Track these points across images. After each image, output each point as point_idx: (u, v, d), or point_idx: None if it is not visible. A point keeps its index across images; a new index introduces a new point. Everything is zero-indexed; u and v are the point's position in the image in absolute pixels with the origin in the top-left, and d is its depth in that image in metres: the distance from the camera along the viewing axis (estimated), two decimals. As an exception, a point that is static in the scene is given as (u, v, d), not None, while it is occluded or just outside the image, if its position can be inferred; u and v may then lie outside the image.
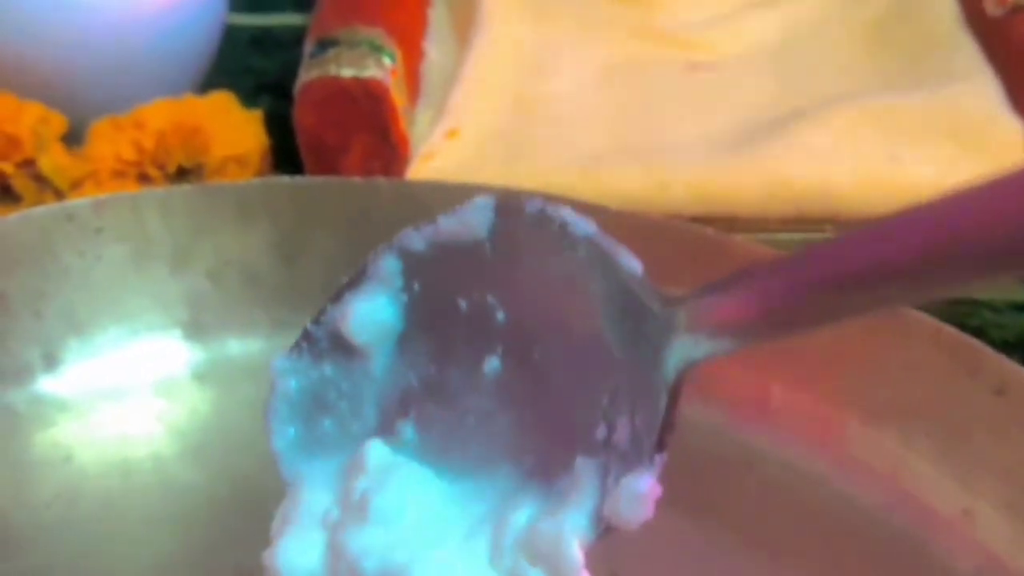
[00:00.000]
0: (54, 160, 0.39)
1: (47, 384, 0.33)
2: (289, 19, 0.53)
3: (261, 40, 0.53)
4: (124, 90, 0.42)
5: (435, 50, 0.44)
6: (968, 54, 0.42)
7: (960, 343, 0.30)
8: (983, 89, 0.40)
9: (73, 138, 0.40)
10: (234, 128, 0.40)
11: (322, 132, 0.36)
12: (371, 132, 0.36)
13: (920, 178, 0.37)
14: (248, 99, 0.48)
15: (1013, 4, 0.42)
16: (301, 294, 0.35)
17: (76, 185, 0.39)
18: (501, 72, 0.42)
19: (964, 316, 0.38)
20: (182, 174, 0.40)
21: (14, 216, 0.32)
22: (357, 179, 0.35)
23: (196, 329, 0.34)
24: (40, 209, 0.33)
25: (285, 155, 0.41)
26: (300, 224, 0.34)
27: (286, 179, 0.35)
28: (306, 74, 0.36)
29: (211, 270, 0.34)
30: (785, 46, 0.45)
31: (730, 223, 0.37)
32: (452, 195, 0.35)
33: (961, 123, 0.38)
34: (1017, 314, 0.38)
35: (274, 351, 0.35)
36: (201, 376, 0.34)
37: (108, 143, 0.39)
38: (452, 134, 0.38)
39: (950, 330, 0.31)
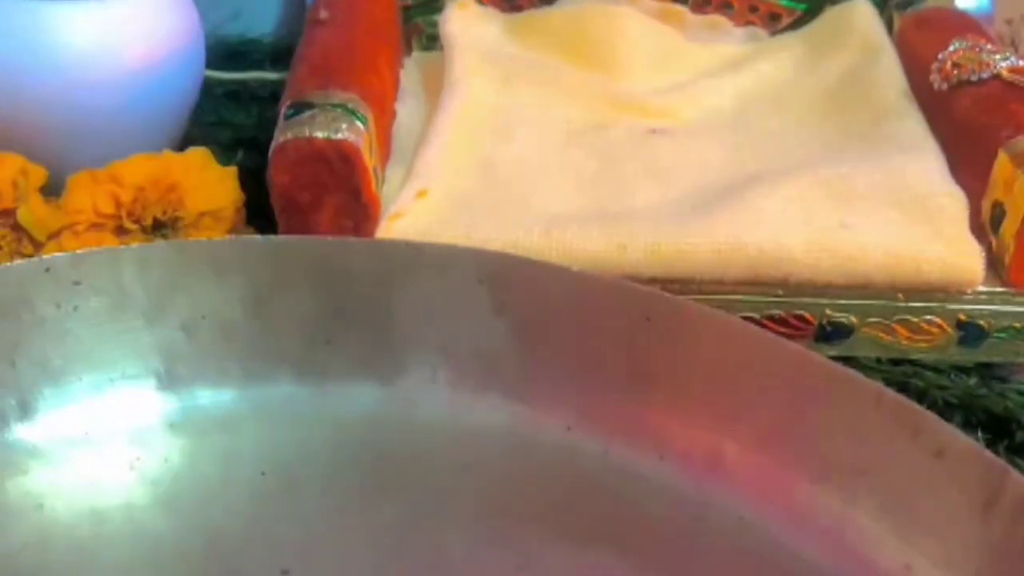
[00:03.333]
0: (32, 211, 0.40)
1: (21, 432, 0.34)
2: (265, 75, 0.55)
3: (238, 95, 0.54)
4: (104, 144, 0.43)
5: (405, 111, 0.45)
6: (914, 126, 0.44)
7: (902, 407, 0.32)
8: (928, 160, 0.42)
9: (52, 190, 0.41)
10: (209, 184, 0.41)
11: (295, 192, 0.37)
12: (343, 192, 0.37)
13: (867, 244, 0.39)
14: (225, 152, 0.50)
15: (956, 79, 0.44)
16: (273, 347, 0.37)
17: (53, 236, 0.40)
18: (469, 135, 0.43)
19: (907, 377, 0.39)
20: (158, 227, 0.41)
21: (-7, 269, 0.33)
22: (328, 237, 0.37)
23: (170, 380, 0.35)
24: (19, 263, 0.33)
25: (259, 208, 0.42)
26: (272, 280, 0.36)
27: (259, 237, 0.37)
28: (281, 135, 0.37)
29: (185, 323, 0.35)
30: (741, 114, 0.47)
31: (686, 284, 0.39)
32: (420, 253, 0.37)
33: (907, 192, 0.40)
34: (959, 376, 0.40)
35: (245, 402, 0.36)
36: (174, 426, 0.35)
37: (86, 196, 0.40)
38: (421, 194, 0.40)
39: (892, 394, 0.32)
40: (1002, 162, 0.39)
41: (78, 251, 0.34)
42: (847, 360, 0.40)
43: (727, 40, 0.51)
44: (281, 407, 0.36)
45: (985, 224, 0.40)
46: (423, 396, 0.36)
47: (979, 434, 0.38)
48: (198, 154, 0.42)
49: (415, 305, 0.36)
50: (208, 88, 0.52)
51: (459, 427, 0.35)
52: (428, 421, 0.36)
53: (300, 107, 0.38)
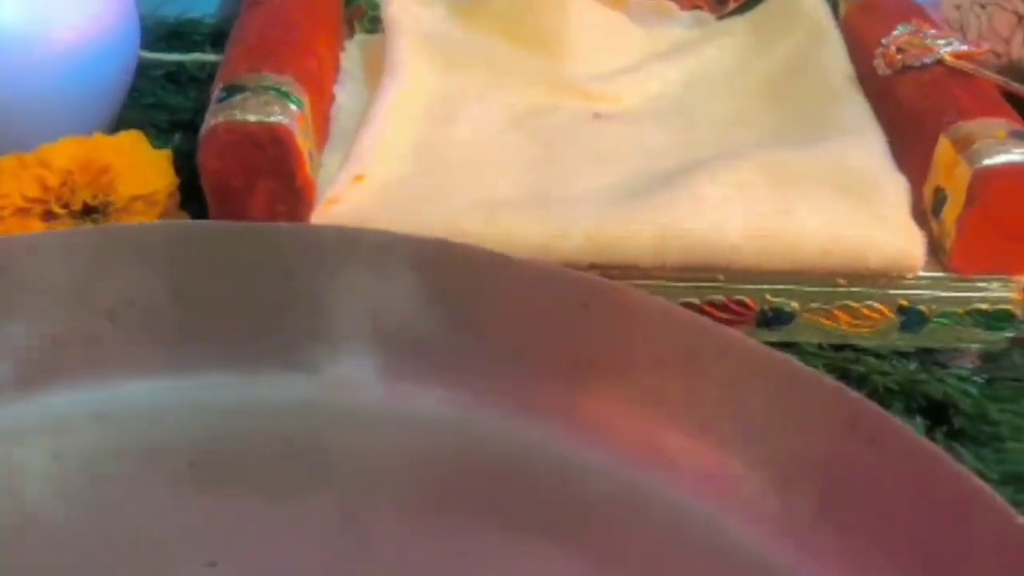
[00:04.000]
0: (-43, 196, 0.39)
1: (-60, 423, 0.33)
2: (205, 57, 0.54)
3: (177, 76, 0.53)
4: (33, 127, 0.41)
5: (345, 94, 0.45)
6: (858, 111, 0.43)
7: (841, 395, 0.32)
8: (871, 145, 0.41)
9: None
10: (142, 167, 0.40)
11: (227, 176, 0.36)
12: (276, 177, 0.36)
13: (807, 230, 0.38)
14: (162, 135, 0.49)
15: (900, 65, 0.43)
16: (201, 336, 0.36)
17: (-22, 222, 0.39)
18: (409, 118, 0.42)
19: (849, 362, 0.39)
20: (88, 212, 0.40)
21: (-88, 256, 0.32)
22: (258, 223, 0.36)
23: (94, 369, 0.34)
24: (-59, 248, 0.33)
25: (195, 192, 0.41)
26: (201, 266, 0.35)
27: (188, 222, 0.36)
28: (212, 118, 0.36)
29: (111, 310, 0.34)
30: (685, 99, 0.46)
31: (626, 271, 0.38)
32: (353, 240, 0.36)
33: (848, 178, 0.39)
34: (900, 361, 0.40)
35: (172, 391, 0.35)
36: (98, 416, 0.34)
37: (13, 180, 0.39)
38: (358, 179, 0.39)
39: (831, 382, 0.32)
40: (943, 147, 0.39)
41: (1, 236, 0.33)
42: (788, 346, 0.40)
43: (673, 24, 0.51)
44: (209, 396, 0.35)
45: (927, 209, 0.40)
46: (356, 385, 0.35)
47: (919, 420, 0.38)
48: (130, 137, 0.41)
49: (349, 292, 0.35)
50: (146, 70, 0.51)
51: (394, 416, 0.35)
52: (361, 410, 0.35)
53: (232, 90, 0.37)
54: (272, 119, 0.36)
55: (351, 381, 0.35)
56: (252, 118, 0.36)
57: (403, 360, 0.35)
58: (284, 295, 0.35)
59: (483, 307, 0.35)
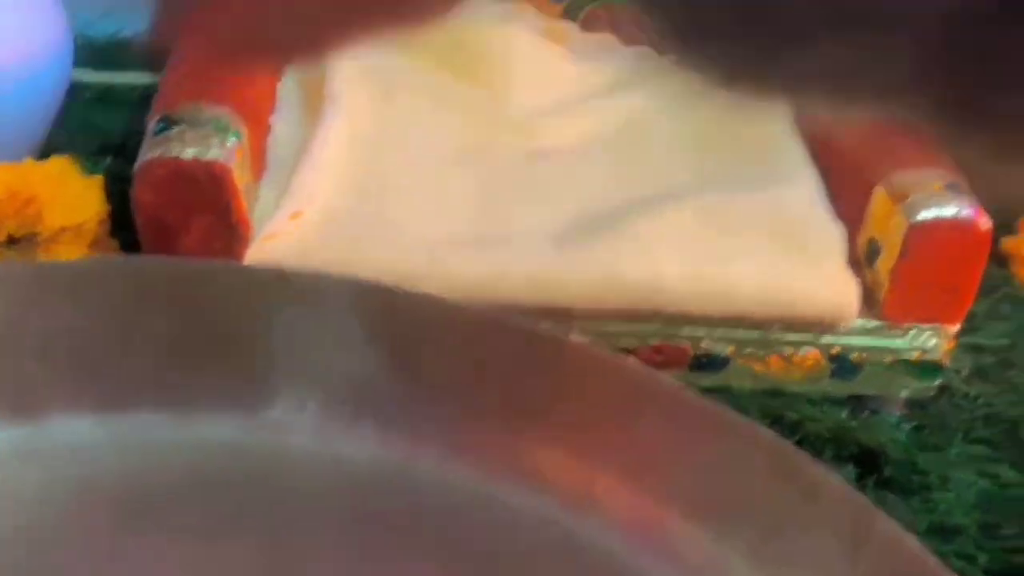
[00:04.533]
0: None
1: None
2: (136, 78, 0.53)
3: (108, 98, 0.52)
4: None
5: (282, 125, 0.44)
6: (796, 156, 0.44)
7: (776, 446, 0.32)
8: (807, 192, 0.42)
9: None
10: (71, 196, 0.40)
11: (161, 212, 0.35)
12: (211, 213, 0.36)
13: (742, 276, 0.39)
14: (92, 158, 0.47)
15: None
16: (132, 373, 0.35)
17: (-100, 249, 0.38)
18: (348, 152, 0.42)
19: (781, 409, 0.40)
20: (13, 243, 0.39)
21: None
22: (191, 260, 0.35)
23: (21, 408, 0.33)
24: None
25: (126, 219, 0.40)
26: (134, 303, 0.34)
27: (120, 258, 0.35)
28: (148, 152, 0.35)
29: (40, 348, 0.33)
30: (626, 137, 0.46)
31: (566, 313, 0.38)
32: (288, 279, 0.36)
33: (784, 224, 0.40)
34: (832, 407, 0.40)
35: (103, 430, 0.35)
36: (25, 457, 0.33)
37: (-64, 208, 0.38)
38: (295, 216, 0.38)
39: (767, 432, 0.32)
40: (879, 198, 0.39)
41: (-77, 271, 0.32)
42: (722, 390, 0.40)
43: (616, 60, 0.51)
44: (141, 436, 0.34)
45: (861, 258, 0.40)
46: (291, 426, 0.35)
47: (850, 468, 0.38)
48: (59, 164, 0.40)
49: (284, 332, 0.35)
50: (76, 91, 0.50)
51: (329, 457, 0.34)
52: (296, 451, 0.34)
53: (169, 122, 0.36)
54: (209, 154, 0.35)
55: (285, 422, 0.35)
56: (189, 153, 0.35)
57: (339, 402, 0.35)
58: (218, 334, 0.34)
59: (421, 351, 0.35)
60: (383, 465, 0.34)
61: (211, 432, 0.34)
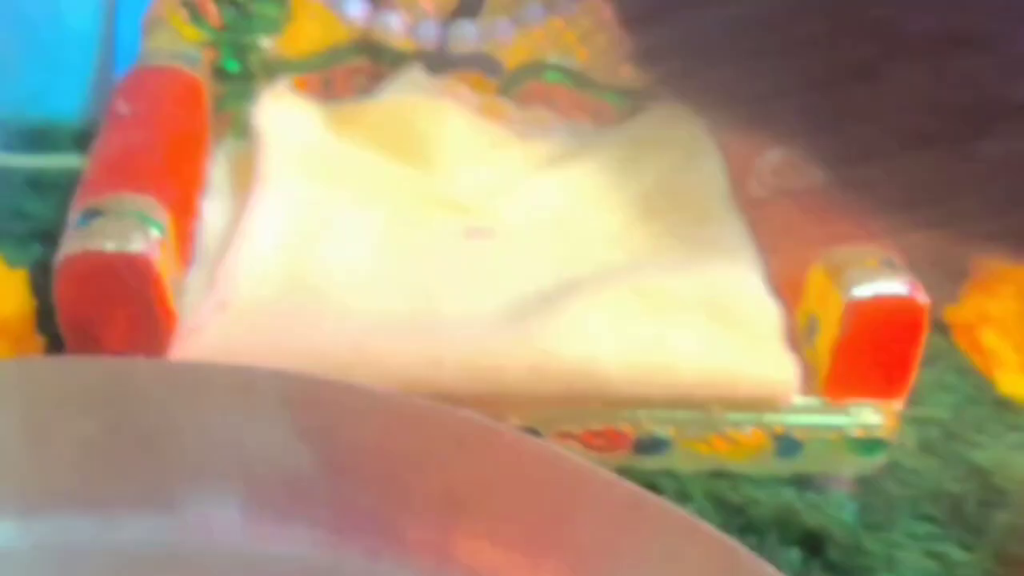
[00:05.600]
0: None
1: None
2: (68, 161, 0.52)
3: (38, 182, 0.51)
4: None
5: (211, 209, 0.43)
6: (733, 232, 0.43)
7: (716, 540, 0.31)
8: (744, 269, 0.41)
9: None
10: (-7, 291, 0.39)
11: (82, 307, 0.34)
12: (135, 307, 0.35)
13: (680, 358, 0.38)
14: (20, 245, 0.46)
15: (775, 187, 0.44)
16: (54, 477, 0.34)
17: None
18: (276, 238, 0.41)
19: (726, 490, 0.39)
20: (-68, 340, 0.38)
21: None
22: (114, 358, 0.34)
23: (-64, 516, 0.32)
24: None
25: (53, 312, 0.39)
26: (54, 403, 0.33)
27: (40, 359, 0.34)
28: (68, 246, 0.34)
29: (-45, 452, 0.32)
30: (563, 215, 0.46)
31: (503, 399, 0.38)
32: (214, 374, 0.35)
33: (721, 303, 0.39)
34: (776, 488, 0.39)
35: (24, 535, 0.33)
36: (-60, 567, 0.32)
37: None
38: (221, 307, 0.37)
39: (705, 527, 0.31)
40: (816, 274, 0.39)
41: None
42: (667, 473, 0.39)
43: (551, 136, 0.51)
44: (63, 541, 0.33)
45: (800, 335, 0.40)
46: (218, 526, 0.34)
47: (796, 551, 0.37)
48: (-17, 257, 0.39)
49: (211, 429, 0.34)
50: (4, 175, 0.49)
51: (258, 557, 0.33)
52: (223, 552, 0.33)
53: (90, 214, 0.36)
54: (131, 248, 0.35)
55: (213, 521, 0.34)
56: (109, 246, 0.34)
57: (268, 499, 0.34)
58: (143, 432, 0.33)
59: (351, 444, 0.34)
60: (313, 563, 0.33)
61: (136, 534, 0.33)
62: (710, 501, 0.39)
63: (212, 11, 0.47)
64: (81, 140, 0.54)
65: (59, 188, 0.51)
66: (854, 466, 0.40)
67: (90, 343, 0.35)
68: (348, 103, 0.49)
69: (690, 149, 0.48)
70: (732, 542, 0.31)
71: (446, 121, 0.48)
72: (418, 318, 0.39)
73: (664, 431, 0.39)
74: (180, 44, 0.47)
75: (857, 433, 0.39)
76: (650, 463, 0.39)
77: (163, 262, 0.36)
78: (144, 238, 0.35)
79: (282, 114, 0.47)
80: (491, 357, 0.37)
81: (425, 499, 0.33)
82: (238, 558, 0.33)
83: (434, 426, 0.33)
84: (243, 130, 0.50)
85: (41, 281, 0.40)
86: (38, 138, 0.53)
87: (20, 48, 0.54)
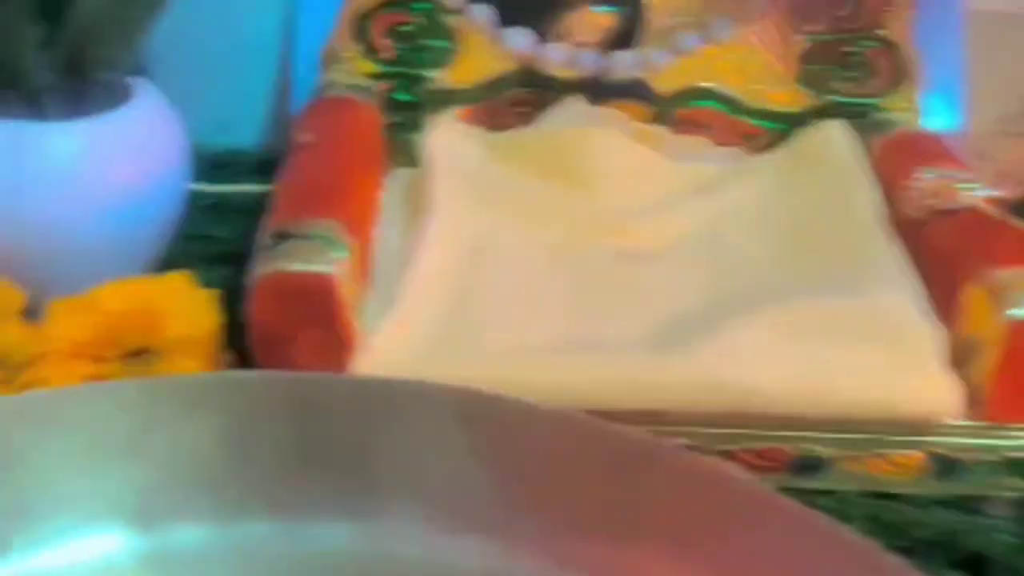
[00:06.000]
0: (9, 336, 0.40)
1: (-5, 571, 0.33)
2: (250, 188, 0.55)
3: (222, 207, 0.54)
4: (86, 265, 0.42)
5: (386, 234, 0.46)
6: (890, 255, 0.44)
7: (879, 559, 0.32)
8: (904, 292, 0.42)
9: (32, 312, 0.41)
10: (187, 310, 0.41)
11: (272, 326, 0.37)
12: (320, 326, 0.37)
13: (840, 380, 0.39)
14: (207, 267, 0.49)
15: (931, 208, 0.44)
16: (249, 485, 0.36)
17: (31, 363, 0.40)
18: (448, 261, 0.43)
19: (887, 512, 0.39)
20: (135, 355, 0.41)
21: (-31, 406, 0.33)
22: (305, 374, 0.37)
23: (144, 517, 0.35)
24: (-3, 399, 0.33)
25: (241, 330, 0.42)
26: (248, 416, 0.36)
27: (235, 373, 0.37)
28: (260, 268, 0.37)
29: (161, 460, 0.35)
30: (718, 238, 0.47)
31: (662, 418, 0.39)
32: (395, 390, 0.37)
33: (881, 326, 0.40)
34: (938, 510, 0.40)
35: (219, 541, 0.36)
36: (147, 564, 0.35)
37: (64, 323, 0.40)
38: (400, 326, 0.40)
39: (869, 544, 0.32)
40: (976, 296, 0.40)
41: (56, 388, 0.34)
42: (826, 493, 0.40)
43: (706, 161, 0.52)
44: (255, 546, 0.35)
45: (960, 357, 0.40)
46: (399, 536, 0.35)
47: (957, 573, 0.37)
48: (176, 278, 0.42)
49: (392, 442, 0.36)
50: (192, 201, 0.52)
51: (434, 570, 0.35)
52: (404, 562, 0.35)
53: (279, 237, 0.38)
54: (317, 268, 0.37)
55: (394, 532, 0.35)
56: (298, 267, 0.37)
57: (444, 512, 0.35)
58: (328, 445, 0.36)
59: (523, 459, 0.35)
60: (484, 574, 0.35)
61: (322, 542, 0.35)
62: (869, 522, 0.39)
63: (385, 45, 0.50)
64: (261, 168, 0.57)
65: (241, 213, 0.54)
66: (1015, 488, 0.40)
67: (278, 359, 0.38)
68: (511, 132, 0.51)
69: (842, 171, 0.49)
70: (893, 559, 0.31)
71: (604, 148, 0.50)
72: (582, 338, 0.41)
73: (823, 451, 0.40)
74: (355, 77, 0.50)
75: (1018, 455, 0.39)
76: (809, 483, 0.40)
77: (346, 283, 0.38)
78: (330, 260, 0.37)
79: (449, 143, 0.49)
80: (652, 377, 0.39)
81: (594, 516, 0.35)
82: (417, 569, 0.35)
83: (603, 443, 0.35)
84: (412, 158, 0.52)
85: (228, 302, 0.43)
86: (220, 166, 0.56)
87: (205, 82, 0.57)
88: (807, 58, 0.53)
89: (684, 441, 0.39)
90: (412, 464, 0.35)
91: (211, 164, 0.56)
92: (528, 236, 0.46)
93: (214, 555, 0.35)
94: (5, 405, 0.34)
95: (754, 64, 0.53)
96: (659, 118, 0.53)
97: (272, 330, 0.37)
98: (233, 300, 0.43)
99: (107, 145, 0.43)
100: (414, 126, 0.51)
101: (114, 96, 0.45)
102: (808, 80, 0.53)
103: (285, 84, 0.57)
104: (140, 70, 0.47)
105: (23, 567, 0.33)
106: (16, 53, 0.42)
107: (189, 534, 0.35)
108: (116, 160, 0.43)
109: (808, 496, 0.39)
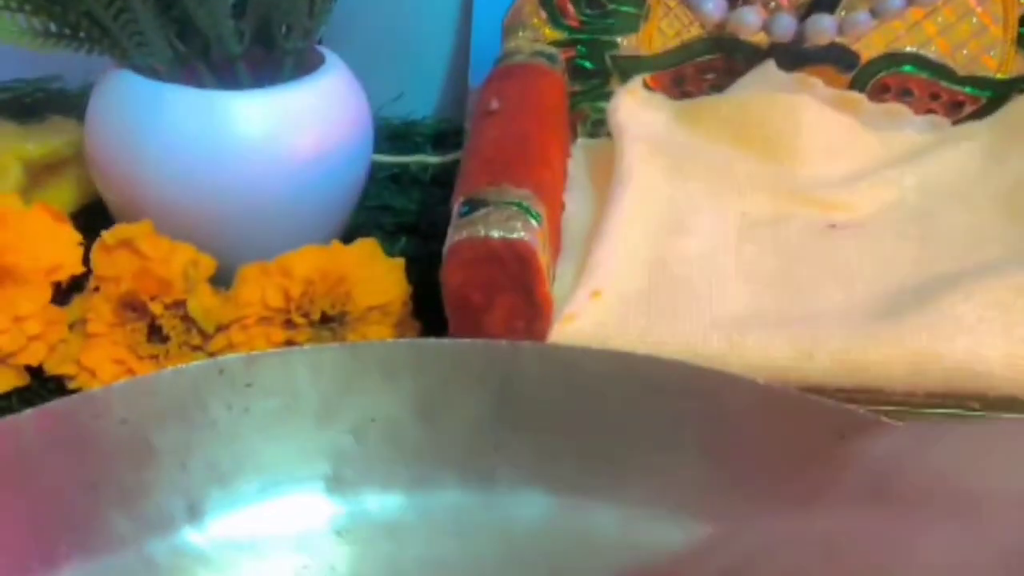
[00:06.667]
0: (202, 302, 0.40)
1: (189, 535, 0.33)
2: (427, 158, 0.54)
3: (400, 178, 0.54)
4: (275, 232, 0.42)
5: (573, 202, 0.44)
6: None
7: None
8: None
9: (221, 280, 0.41)
10: (377, 277, 0.41)
11: (468, 292, 0.36)
12: (516, 293, 0.36)
13: (1075, 359, 0.36)
14: (388, 238, 0.49)
15: None
16: (442, 453, 0.36)
17: (222, 328, 0.40)
18: (641, 230, 0.42)
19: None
20: (326, 321, 0.40)
21: (168, 370, 0.33)
22: (501, 341, 0.36)
23: (337, 484, 0.34)
24: (193, 364, 0.33)
25: (424, 299, 0.41)
26: (443, 384, 0.35)
27: (431, 341, 0.36)
28: (455, 234, 0.36)
29: (355, 427, 0.34)
30: (924, 208, 0.45)
31: (875, 395, 0.37)
32: (594, 359, 0.36)
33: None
34: None
35: (412, 508, 0.35)
36: (340, 532, 0.34)
37: (255, 289, 0.40)
38: (595, 295, 0.38)
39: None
40: None
41: (252, 353, 0.34)
42: (1049, 480, 0.37)
43: (907, 129, 0.49)
44: (448, 514, 0.34)
45: None
46: (595, 509, 0.34)
47: None
48: (366, 246, 0.42)
49: (588, 413, 0.34)
50: (372, 171, 0.52)
51: (632, 543, 0.34)
52: (600, 536, 0.34)
53: (474, 204, 0.37)
54: (514, 235, 0.36)
55: (589, 504, 0.34)
56: (495, 234, 0.36)
57: (642, 484, 0.34)
58: (523, 413, 0.34)
59: (727, 433, 0.34)
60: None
61: (515, 513, 0.34)
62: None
63: (571, 12, 0.49)
64: (436, 138, 0.57)
65: (418, 183, 0.54)
66: None
67: (473, 326, 0.37)
68: (702, 99, 0.49)
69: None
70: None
71: (798, 115, 0.48)
72: (787, 311, 0.39)
73: (1049, 435, 0.37)
74: (540, 44, 0.49)
75: None
76: (1031, 468, 0.37)
77: (541, 249, 0.37)
78: (525, 226, 0.36)
79: (638, 111, 0.48)
80: (865, 352, 0.36)
81: (805, 494, 0.33)
82: (612, 543, 0.34)
83: (815, 419, 0.33)
84: (595, 128, 0.51)
85: (411, 270, 0.42)
86: (398, 137, 0.56)
87: (384, 53, 0.57)
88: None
89: (897, 420, 0.37)
90: (610, 435, 0.34)
91: (389, 135, 0.56)
92: (724, 206, 0.44)
93: (406, 524, 0.35)
94: (202, 370, 0.33)
95: (964, 28, 0.50)
96: (855, 84, 0.50)
97: (467, 297, 0.36)
98: (415, 273, 0.42)
99: (296, 113, 0.43)
100: (598, 95, 0.50)
101: (302, 65, 0.45)
102: (1029, 45, 0.49)
103: (463, 55, 0.56)
104: (321, 40, 0.47)
105: (216, 535, 0.33)
106: (210, 23, 0.42)
107: (382, 501, 0.34)
108: (305, 128, 0.43)
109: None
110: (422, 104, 0.58)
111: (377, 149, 0.53)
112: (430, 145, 0.56)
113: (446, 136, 0.56)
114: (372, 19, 0.58)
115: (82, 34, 0.43)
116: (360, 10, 0.57)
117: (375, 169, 0.53)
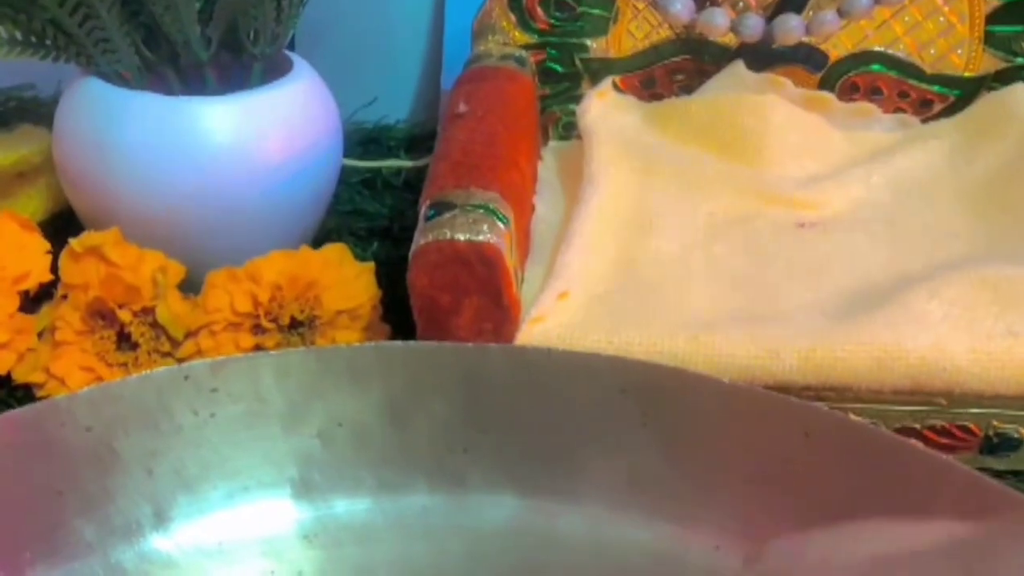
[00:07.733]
0: (170, 308, 0.40)
1: (156, 542, 0.33)
2: (400, 163, 0.54)
3: (373, 182, 0.54)
4: (244, 238, 0.43)
5: (543, 205, 0.44)
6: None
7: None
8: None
9: (191, 286, 0.41)
10: (347, 281, 0.41)
11: (435, 295, 0.36)
12: (484, 295, 0.36)
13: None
14: (359, 242, 0.49)
15: None
16: (410, 456, 0.35)
17: (191, 334, 0.40)
18: (610, 231, 0.42)
19: None
20: (295, 326, 0.40)
21: (133, 377, 0.33)
22: (468, 344, 0.36)
23: (305, 489, 0.34)
24: (159, 371, 0.33)
25: (394, 303, 0.41)
26: (410, 387, 0.35)
27: (398, 344, 0.36)
28: (422, 237, 0.36)
29: (322, 431, 0.34)
30: (892, 206, 0.45)
31: (842, 393, 0.37)
32: (561, 361, 0.36)
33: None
34: None
35: (380, 513, 0.35)
36: (308, 536, 0.34)
37: (224, 295, 0.40)
38: (562, 296, 0.38)
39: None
40: None
41: (217, 358, 0.34)
42: (1016, 474, 0.37)
43: (875, 127, 0.49)
44: (416, 518, 0.34)
45: None
46: (562, 510, 0.34)
47: None
48: (335, 250, 0.42)
49: (555, 414, 0.34)
50: (343, 176, 0.52)
51: (599, 543, 0.34)
52: (567, 536, 0.34)
53: (441, 207, 0.37)
54: (481, 238, 0.36)
55: (557, 505, 0.34)
56: (461, 237, 0.36)
57: (610, 485, 0.34)
58: (491, 416, 0.34)
59: (694, 433, 0.34)
60: (654, 553, 0.33)
61: (484, 515, 0.34)
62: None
63: (541, 15, 0.49)
64: (409, 143, 0.57)
65: (391, 188, 0.54)
66: None
67: (440, 329, 0.37)
68: (671, 100, 0.49)
69: (1024, 138, 0.46)
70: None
71: (767, 115, 0.48)
72: (755, 310, 0.39)
73: (1014, 430, 0.37)
74: (510, 47, 0.49)
75: None
76: (998, 464, 0.37)
77: (508, 252, 0.37)
78: (492, 229, 0.36)
79: (607, 113, 0.48)
80: (831, 349, 0.37)
81: (771, 491, 0.33)
82: (581, 544, 0.34)
83: (780, 417, 0.33)
84: (566, 131, 0.51)
85: (382, 273, 0.42)
86: (371, 141, 0.56)
87: (355, 60, 0.57)
88: (994, 19, 0.49)
89: (862, 417, 0.37)
90: (577, 436, 0.34)
91: (362, 139, 0.56)
92: (693, 205, 0.44)
93: (374, 529, 0.34)
94: (167, 376, 0.33)
95: (931, 26, 0.50)
96: (824, 84, 0.50)
97: (435, 300, 0.36)
98: (386, 277, 0.42)
99: (264, 119, 0.43)
100: (568, 97, 0.50)
101: (271, 71, 0.45)
102: (995, 42, 0.49)
103: (436, 59, 0.56)
104: (292, 45, 0.47)
105: (183, 541, 0.33)
106: (177, 29, 0.42)
107: (350, 505, 0.34)
108: (273, 134, 0.43)
109: (998, 477, 0.37)
110: (395, 108, 0.58)
111: (350, 154, 0.53)
112: (403, 149, 0.56)
113: (419, 140, 0.56)
114: (345, 24, 0.58)
115: (48, 41, 0.42)
116: (333, 15, 0.57)
117: (348, 174, 0.53)
